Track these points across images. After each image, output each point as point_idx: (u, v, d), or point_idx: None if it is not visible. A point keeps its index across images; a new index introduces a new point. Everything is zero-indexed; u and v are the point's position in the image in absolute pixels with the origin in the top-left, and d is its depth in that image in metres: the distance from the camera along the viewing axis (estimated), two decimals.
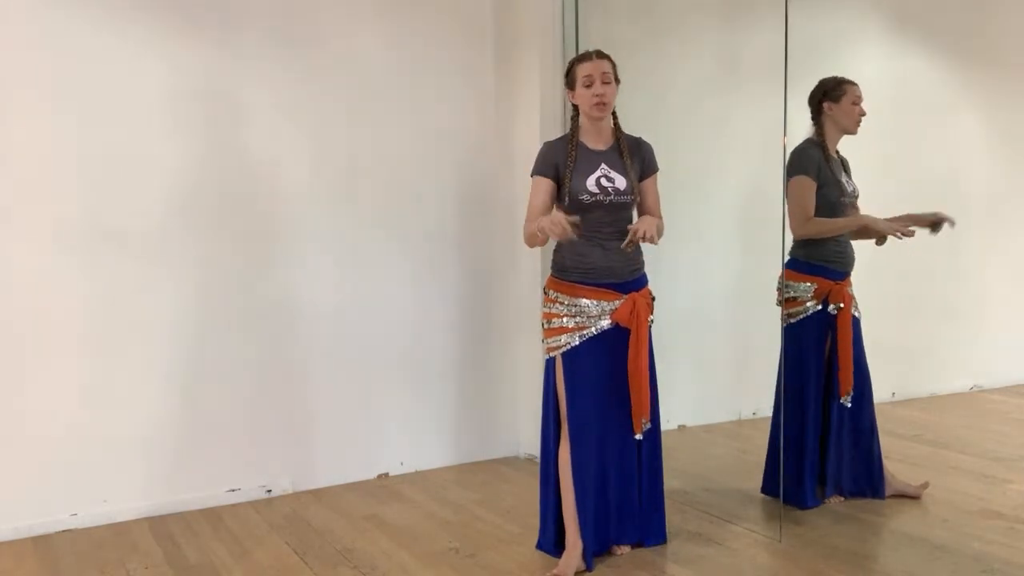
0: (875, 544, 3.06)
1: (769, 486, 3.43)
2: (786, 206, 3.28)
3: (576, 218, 2.64)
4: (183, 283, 3.44)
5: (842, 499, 3.40)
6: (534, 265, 3.91)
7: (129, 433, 3.36)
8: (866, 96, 3.33)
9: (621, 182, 2.82)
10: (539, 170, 2.86)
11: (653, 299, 2.94)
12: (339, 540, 3.13)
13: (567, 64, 2.96)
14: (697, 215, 4.18)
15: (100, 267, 3.30)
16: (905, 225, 3.19)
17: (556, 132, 3.77)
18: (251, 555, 3.00)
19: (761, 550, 2.98)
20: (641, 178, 2.91)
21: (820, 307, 3.32)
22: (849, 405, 3.33)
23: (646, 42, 4.20)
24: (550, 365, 2.90)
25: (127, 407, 3.36)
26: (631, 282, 2.86)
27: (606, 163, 2.84)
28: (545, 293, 2.92)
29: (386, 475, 3.91)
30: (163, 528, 3.28)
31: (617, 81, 2.85)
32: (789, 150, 3.29)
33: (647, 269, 2.94)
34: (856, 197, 3.37)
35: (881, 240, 3.26)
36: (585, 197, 2.79)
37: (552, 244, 2.89)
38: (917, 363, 4.20)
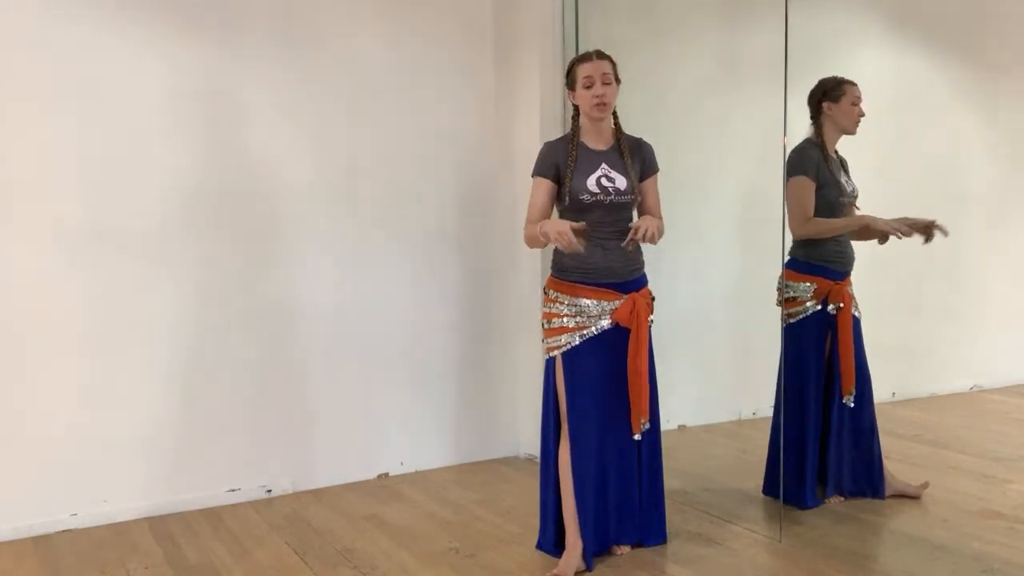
0: (875, 544, 3.06)
1: (771, 487, 3.42)
2: (785, 206, 3.29)
3: (582, 225, 2.65)
4: (183, 283, 3.44)
5: (842, 499, 3.40)
6: (534, 265, 3.91)
7: (129, 433, 3.36)
8: (866, 96, 3.34)
9: (621, 182, 2.82)
10: (539, 171, 2.87)
11: (653, 299, 2.95)
12: (339, 540, 3.13)
13: (567, 64, 2.96)
14: (697, 215, 4.18)
15: (100, 267, 3.30)
16: (903, 225, 3.19)
17: (556, 132, 3.77)
18: (251, 555, 3.00)
19: (761, 550, 2.98)
20: (641, 178, 2.91)
21: (820, 307, 3.32)
22: (852, 405, 3.33)
23: (646, 42, 4.20)
24: (550, 365, 2.90)
25: (127, 407, 3.36)
26: (631, 282, 2.86)
27: (607, 163, 2.85)
28: (545, 293, 2.92)
29: (386, 475, 3.91)
30: (163, 528, 3.28)
31: (618, 81, 2.85)
32: (789, 150, 3.29)
33: (647, 269, 2.95)
34: (855, 197, 3.37)
35: (883, 239, 3.26)
36: (585, 197, 2.79)
37: (552, 244, 2.89)
38: (917, 363, 4.20)
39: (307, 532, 3.22)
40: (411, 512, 3.43)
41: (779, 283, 3.38)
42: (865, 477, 3.41)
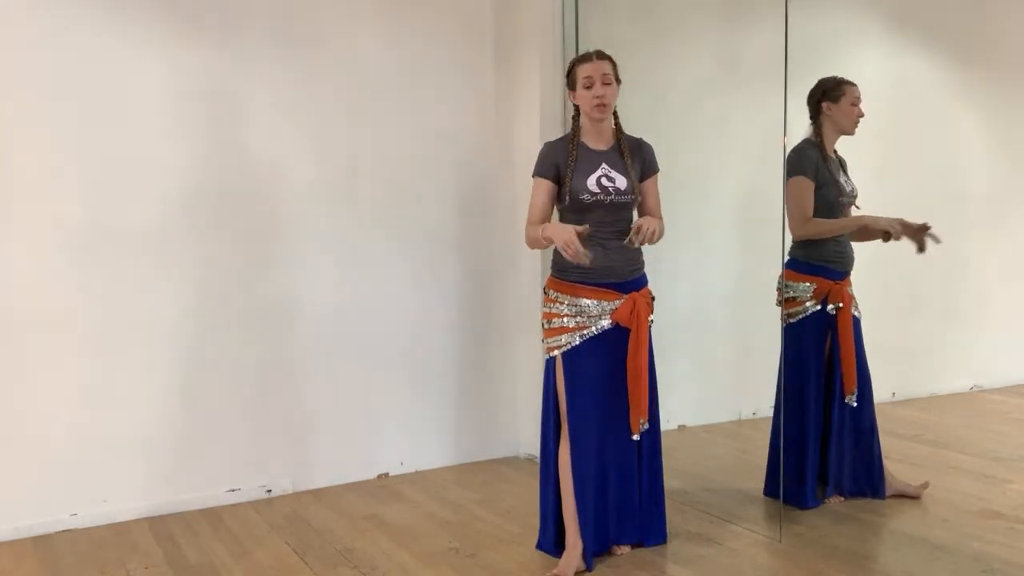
0: (875, 544, 3.06)
1: (772, 489, 3.42)
2: (785, 207, 3.29)
3: (585, 228, 2.65)
4: (183, 283, 3.44)
5: (842, 499, 3.40)
6: (534, 265, 3.91)
7: (129, 433, 3.36)
8: (866, 96, 3.34)
9: (622, 182, 2.83)
10: (539, 171, 2.87)
11: (653, 299, 2.95)
12: (339, 540, 3.13)
13: (568, 65, 2.96)
14: (697, 215, 4.18)
15: (100, 267, 3.30)
16: (898, 225, 3.19)
17: (556, 132, 3.77)
18: (251, 555, 3.00)
19: (761, 550, 2.98)
20: (642, 179, 2.91)
21: (819, 307, 3.32)
22: (855, 404, 3.33)
23: (646, 42, 4.20)
24: (550, 365, 2.90)
25: (127, 407, 3.36)
26: (631, 282, 2.86)
27: (607, 163, 2.85)
28: (545, 293, 2.92)
29: (386, 475, 3.91)
30: (163, 528, 3.28)
31: (618, 81, 2.85)
32: (789, 150, 3.29)
33: (647, 269, 2.95)
34: (854, 197, 3.37)
35: (886, 238, 3.25)
36: (585, 196, 2.79)
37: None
38: (917, 363, 4.20)
39: (307, 532, 3.22)
40: (411, 512, 3.43)
41: (779, 283, 3.38)
42: (865, 477, 3.41)
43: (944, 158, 4.10)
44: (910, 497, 3.39)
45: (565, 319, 2.83)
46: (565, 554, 2.81)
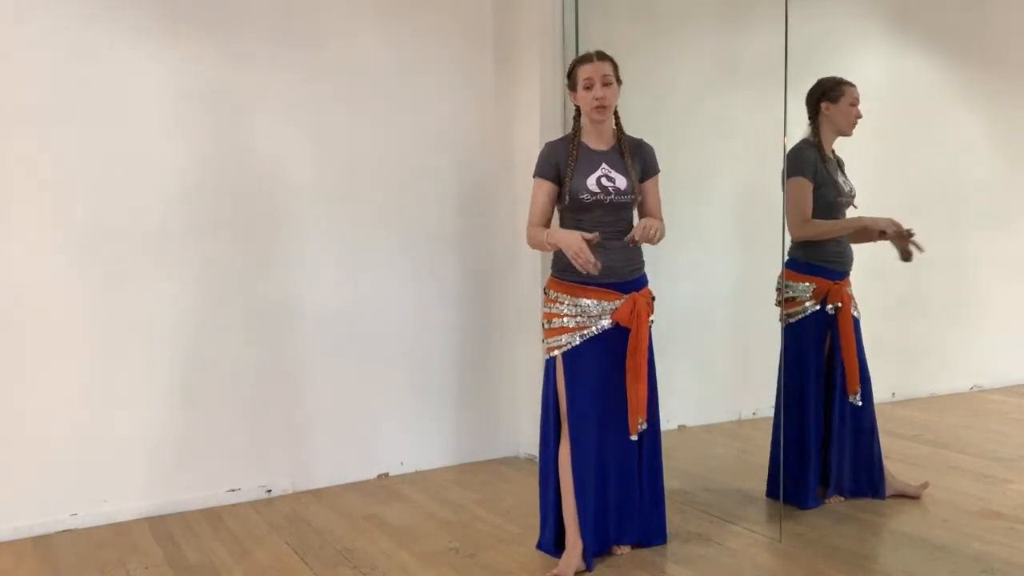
0: (875, 544, 3.06)
1: (775, 490, 3.41)
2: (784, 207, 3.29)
3: (595, 236, 2.66)
4: (183, 283, 3.44)
5: (842, 499, 3.40)
6: (534, 265, 3.91)
7: (129, 433, 3.36)
8: (866, 96, 3.34)
9: (622, 182, 2.83)
10: (540, 172, 2.87)
11: (653, 299, 2.95)
12: (339, 540, 3.13)
13: (569, 65, 2.96)
14: (697, 215, 4.18)
15: (100, 267, 3.30)
16: (891, 225, 3.20)
17: (556, 132, 3.77)
18: (251, 555, 3.00)
19: (761, 550, 2.98)
20: (642, 179, 2.91)
21: (819, 307, 3.33)
22: (860, 403, 3.33)
23: (646, 42, 4.20)
24: (550, 365, 2.90)
25: (127, 407, 3.36)
26: (631, 282, 2.86)
27: (607, 163, 2.85)
28: (545, 293, 2.92)
29: (386, 475, 3.91)
30: (163, 528, 3.28)
31: (619, 82, 2.86)
32: (787, 150, 3.29)
33: (647, 269, 2.95)
34: (853, 197, 3.37)
35: (883, 236, 3.25)
36: (585, 196, 2.79)
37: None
38: (917, 363, 4.20)
39: (307, 532, 3.22)
40: (411, 512, 3.43)
41: (778, 283, 3.38)
42: (865, 477, 3.41)
43: (944, 158, 4.11)
44: (910, 497, 3.39)
45: (565, 319, 2.83)
46: (565, 554, 2.81)
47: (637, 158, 2.92)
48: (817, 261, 3.33)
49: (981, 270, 4.15)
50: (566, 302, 2.84)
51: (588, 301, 2.82)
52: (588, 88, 2.81)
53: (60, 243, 3.23)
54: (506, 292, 4.13)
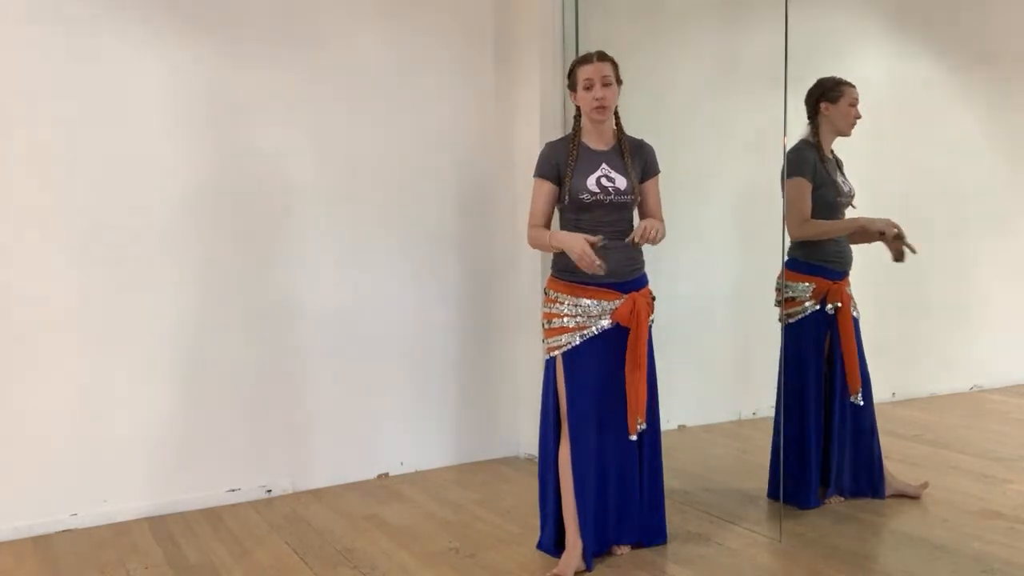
0: (875, 544, 3.06)
1: (776, 491, 3.41)
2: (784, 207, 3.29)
3: (599, 238, 2.65)
4: (183, 283, 3.44)
5: (842, 499, 3.41)
6: (534, 265, 3.91)
7: (129, 433, 3.36)
8: (865, 96, 3.34)
9: (621, 182, 2.83)
10: (540, 172, 2.88)
11: (653, 299, 2.95)
12: (339, 540, 3.13)
13: (569, 66, 2.96)
14: (697, 215, 4.18)
15: (100, 266, 3.30)
16: (889, 226, 3.20)
17: (556, 132, 3.77)
18: (251, 555, 3.00)
19: (761, 550, 2.98)
20: (642, 180, 2.91)
21: (818, 307, 3.33)
22: (862, 403, 3.33)
23: (646, 42, 4.20)
24: (550, 365, 2.90)
25: (127, 407, 3.36)
26: (631, 282, 2.86)
27: (607, 163, 2.85)
28: (546, 293, 2.92)
29: (386, 475, 3.91)
30: (163, 528, 3.28)
31: (619, 82, 2.86)
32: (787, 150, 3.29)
33: (647, 269, 2.95)
34: (852, 197, 3.37)
35: (882, 236, 3.25)
36: (585, 196, 2.80)
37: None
38: (917, 363, 4.20)
39: (307, 532, 3.22)
40: (411, 512, 3.43)
41: (778, 283, 3.39)
42: (865, 477, 3.42)
43: (944, 158, 4.11)
44: (910, 497, 3.39)
45: (565, 319, 2.83)
46: (565, 554, 2.81)
47: (637, 158, 2.92)
48: (817, 261, 3.33)
49: (981, 270, 4.15)
50: (566, 302, 2.84)
51: (588, 301, 2.82)
52: (588, 88, 2.81)
53: (60, 243, 3.23)
54: (506, 292, 4.13)
